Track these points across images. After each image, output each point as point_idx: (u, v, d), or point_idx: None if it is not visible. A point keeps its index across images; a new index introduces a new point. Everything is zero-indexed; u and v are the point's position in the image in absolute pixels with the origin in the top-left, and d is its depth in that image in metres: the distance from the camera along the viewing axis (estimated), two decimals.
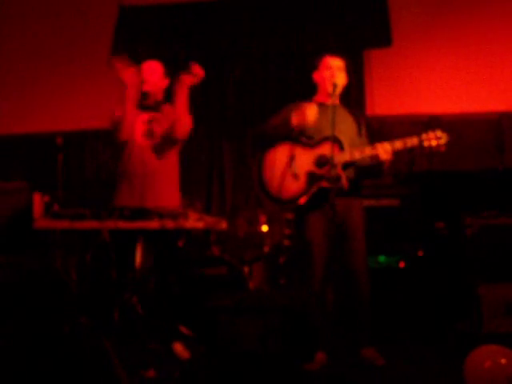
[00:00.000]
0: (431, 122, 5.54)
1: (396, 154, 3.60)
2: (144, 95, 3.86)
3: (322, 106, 3.71)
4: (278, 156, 3.71)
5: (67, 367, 2.15)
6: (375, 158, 3.56)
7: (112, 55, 6.02)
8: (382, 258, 4.57)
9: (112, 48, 6.06)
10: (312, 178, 3.62)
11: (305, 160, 3.65)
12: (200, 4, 6.01)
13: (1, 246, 4.25)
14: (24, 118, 6.13)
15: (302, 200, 3.62)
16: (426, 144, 3.54)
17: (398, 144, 3.57)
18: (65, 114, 6.06)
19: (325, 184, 3.55)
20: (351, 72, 3.85)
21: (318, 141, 3.66)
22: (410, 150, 3.65)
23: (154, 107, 3.92)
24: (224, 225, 3.63)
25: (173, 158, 3.95)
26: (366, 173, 3.75)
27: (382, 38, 5.65)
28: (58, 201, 4.07)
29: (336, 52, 3.82)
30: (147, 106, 3.91)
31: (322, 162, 3.60)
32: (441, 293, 4.43)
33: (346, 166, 3.59)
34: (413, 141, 3.56)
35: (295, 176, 3.62)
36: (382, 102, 5.65)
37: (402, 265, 4.55)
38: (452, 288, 4.44)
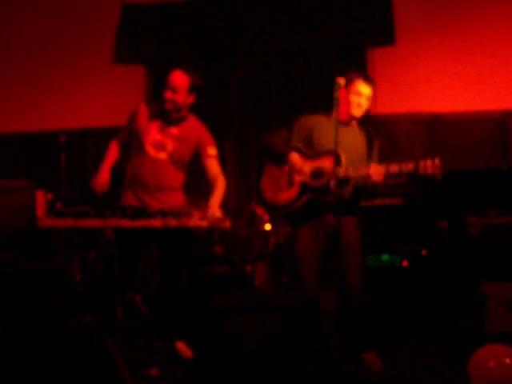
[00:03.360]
0: (434, 121, 5.54)
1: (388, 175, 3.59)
2: (166, 103, 3.76)
3: (336, 122, 3.70)
4: (279, 165, 3.76)
5: (71, 366, 2.15)
6: (367, 177, 3.57)
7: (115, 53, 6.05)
8: (385, 257, 4.56)
9: (115, 46, 6.07)
10: (304, 188, 3.66)
11: (302, 170, 3.69)
12: (203, 2, 6.00)
13: (4, 245, 4.24)
14: (27, 116, 6.13)
15: (292, 208, 3.65)
16: (421, 171, 3.49)
17: (393, 168, 3.56)
18: (68, 112, 6.06)
19: (314, 195, 3.59)
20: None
21: (319, 154, 3.68)
22: (404, 174, 3.64)
23: (175, 121, 3.83)
24: (228, 224, 3.62)
25: (184, 168, 3.91)
26: (360, 192, 3.75)
27: (386, 36, 5.65)
28: (61, 199, 4.06)
29: (369, 79, 3.78)
30: (168, 117, 3.82)
31: (316, 174, 3.63)
32: (444, 292, 4.43)
33: (342, 182, 3.59)
34: (408, 166, 3.53)
35: (290, 184, 3.67)
36: (386, 101, 5.64)
37: (405, 264, 4.55)
38: (455, 287, 4.43)
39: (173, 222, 3.47)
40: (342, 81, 3.56)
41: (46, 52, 6.21)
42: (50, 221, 3.53)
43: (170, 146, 3.80)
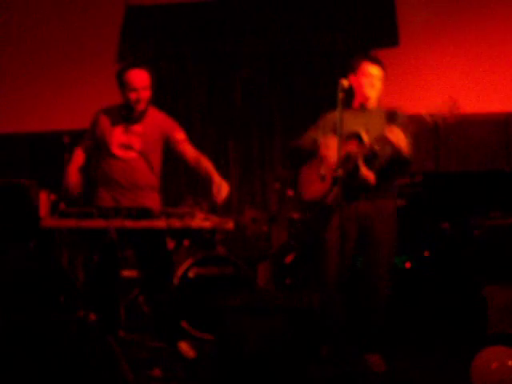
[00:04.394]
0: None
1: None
2: (130, 105, 3.75)
3: (354, 110, 3.72)
4: (313, 164, 3.71)
5: (74, 365, 2.15)
6: (385, 140, 3.47)
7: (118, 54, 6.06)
8: None
9: (119, 47, 6.08)
10: (336, 178, 3.59)
11: (331, 157, 3.59)
12: (207, 3, 6.01)
13: (8, 245, 4.25)
14: (31, 116, 6.14)
15: (329, 199, 3.59)
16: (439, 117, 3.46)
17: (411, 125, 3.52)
18: (71, 112, 6.06)
19: (347, 180, 3.50)
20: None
21: (342, 141, 3.62)
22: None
23: (137, 118, 3.80)
24: (231, 225, 3.62)
25: (156, 165, 3.87)
26: (391, 166, 3.63)
27: (390, 37, 5.66)
28: (65, 199, 4.07)
29: (375, 59, 3.75)
30: (130, 117, 3.80)
31: (345, 160, 3.53)
32: (447, 293, 4.42)
33: (369, 159, 3.53)
34: (426, 117, 3.48)
35: (323, 178, 3.59)
36: (388, 102, 5.63)
37: (408, 265, 4.54)
38: (458, 289, 4.43)
39: (176, 223, 3.47)
40: (345, 82, 3.53)
41: (49, 52, 6.23)
42: (53, 221, 3.53)
43: (136, 144, 3.78)
